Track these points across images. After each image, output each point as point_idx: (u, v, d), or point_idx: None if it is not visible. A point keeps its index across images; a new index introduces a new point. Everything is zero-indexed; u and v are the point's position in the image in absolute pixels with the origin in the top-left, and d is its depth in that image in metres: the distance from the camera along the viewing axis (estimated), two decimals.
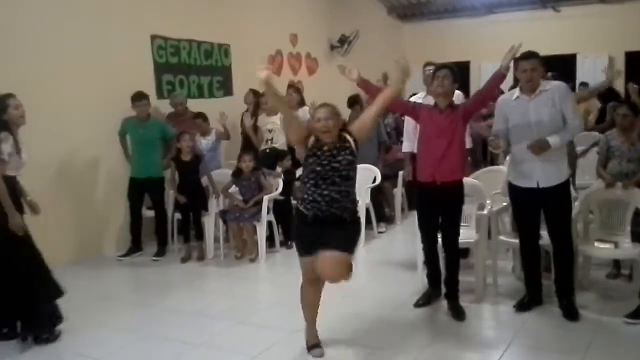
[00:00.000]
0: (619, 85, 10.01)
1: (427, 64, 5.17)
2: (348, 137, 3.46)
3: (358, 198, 6.30)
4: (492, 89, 4.23)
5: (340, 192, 3.39)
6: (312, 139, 3.44)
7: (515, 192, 4.21)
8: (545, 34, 10.28)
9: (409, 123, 4.70)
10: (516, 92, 4.12)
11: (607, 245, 4.47)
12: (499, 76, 4.10)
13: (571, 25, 10.74)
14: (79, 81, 5.99)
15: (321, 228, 3.39)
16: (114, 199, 6.35)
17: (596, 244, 4.52)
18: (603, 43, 10.71)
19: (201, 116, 6.79)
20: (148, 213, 6.29)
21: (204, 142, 6.73)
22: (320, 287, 3.62)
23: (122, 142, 6.23)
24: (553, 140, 3.90)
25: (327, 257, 3.28)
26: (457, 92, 4.80)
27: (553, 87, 4.02)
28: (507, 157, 5.15)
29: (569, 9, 11.03)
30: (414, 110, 4.34)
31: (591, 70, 10.41)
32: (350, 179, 3.45)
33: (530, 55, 4.01)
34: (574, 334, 3.88)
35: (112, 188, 6.34)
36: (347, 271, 3.34)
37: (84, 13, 6.10)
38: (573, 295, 4.21)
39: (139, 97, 6.01)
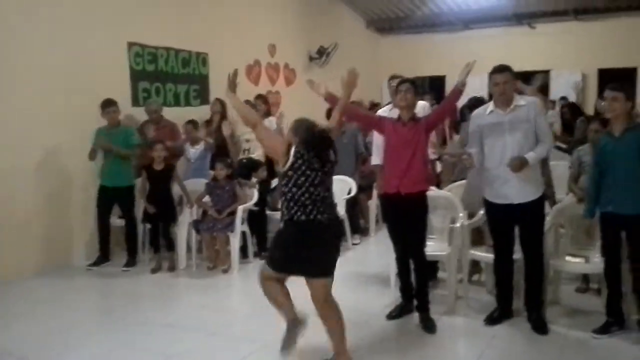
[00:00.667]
0: (592, 100, 10.27)
1: (392, 77, 5.20)
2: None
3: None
4: (451, 104, 4.37)
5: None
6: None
7: (491, 209, 4.24)
8: (521, 50, 10.45)
9: (378, 137, 4.75)
10: (490, 106, 4.16)
11: (577, 260, 4.53)
12: (457, 92, 4.18)
13: (546, 42, 10.94)
14: (52, 87, 5.90)
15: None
16: (84, 207, 6.24)
17: (567, 258, 4.57)
18: (576, 60, 10.92)
19: (192, 123, 6.75)
20: (119, 222, 6.20)
21: (192, 152, 6.67)
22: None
23: (90, 153, 6.01)
24: (530, 157, 3.95)
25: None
26: (422, 102, 4.89)
27: (527, 101, 4.07)
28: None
29: (544, 26, 11.24)
30: (379, 123, 4.42)
31: (564, 86, 10.62)
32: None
33: (503, 68, 4.05)
34: (543, 347, 3.91)
35: (84, 196, 6.25)
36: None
37: (60, 19, 6.02)
38: (543, 309, 4.25)
39: (107, 104, 5.93)
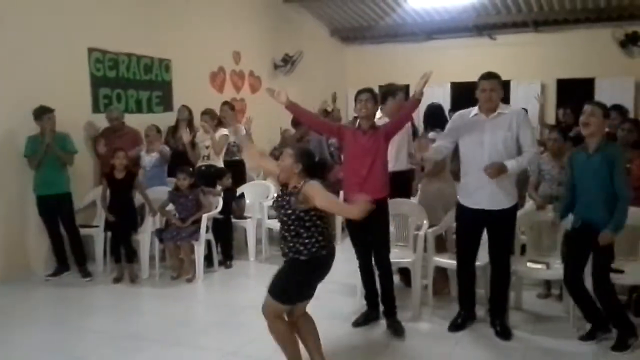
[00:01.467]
0: (550, 110, 10.52)
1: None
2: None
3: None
4: (408, 113, 4.34)
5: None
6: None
7: (463, 211, 4.26)
8: (482, 60, 10.54)
9: None
10: (474, 110, 4.15)
11: (538, 266, 4.60)
12: (414, 102, 4.19)
13: (506, 53, 11.15)
14: (8, 93, 5.73)
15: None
16: (25, 216, 6.03)
17: (528, 264, 4.65)
18: (536, 70, 11.17)
19: (155, 129, 6.63)
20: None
21: (147, 159, 6.54)
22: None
23: (30, 162, 5.80)
24: (510, 164, 3.95)
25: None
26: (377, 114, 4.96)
27: (512, 111, 4.08)
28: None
29: (504, 37, 11.47)
30: (339, 132, 4.44)
31: (524, 97, 10.84)
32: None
33: (490, 75, 4.07)
34: (507, 353, 3.96)
35: (24, 205, 6.03)
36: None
37: (17, 24, 5.86)
38: (506, 315, 4.31)
39: (42, 112, 5.70)
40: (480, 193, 4.07)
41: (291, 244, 3.33)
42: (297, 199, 3.27)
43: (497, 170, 3.93)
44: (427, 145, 4.20)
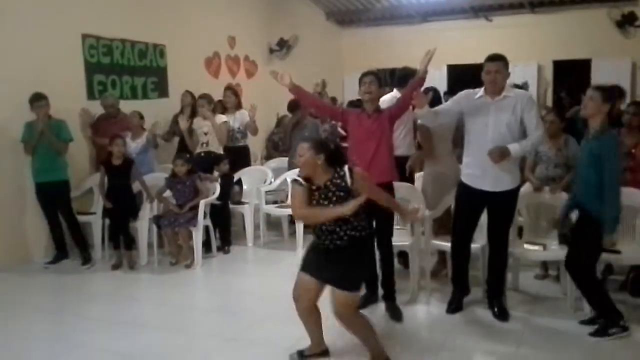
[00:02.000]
0: (548, 91, 10.49)
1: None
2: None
3: None
4: (413, 92, 4.24)
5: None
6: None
7: (464, 191, 4.25)
8: (478, 42, 10.55)
9: None
10: (480, 91, 4.12)
11: (536, 248, 4.62)
12: (418, 80, 4.18)
13: (502, 34, 11.07)
14: (2, 81, 5.69)
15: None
16: (24, 204, 6.02)
17: (525, 246, 4.66)
18: (532, 52, 11.11)
19: (138, 115, 6.59)
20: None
21: (133, 146, 6.49)
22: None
23: (26, 148, 5.81)
24: (514, 148, 3.95)
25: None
26: (394, 93, 4.91)
27: (517, 94, 4.07)
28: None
29: (501, 19, 11.40)
30: (343, 115, 4.44)
31: (521, 78, 10.80)
32: None
33: (496, 57, 4.03)
34: (505, 334, 3.99)
35: (21, 192, 6.02)
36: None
37: (9, 9, 5.80)
38: (503, 296, 4.33)
39: (36, 99, 5.66)
40: (484, 175, 4.07)
41: (346, 228, 3.24)
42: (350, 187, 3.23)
43: (500, 155, 3.93)
44: (424, 100, 4.09)
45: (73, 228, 5.98)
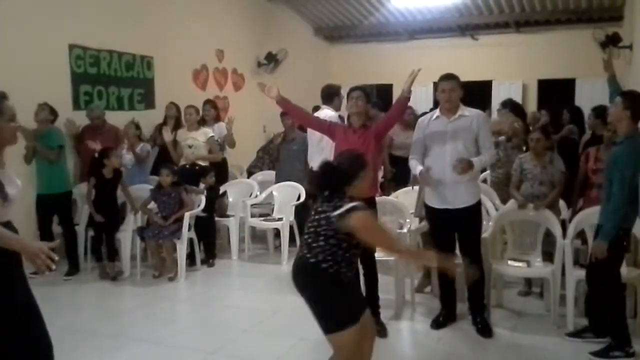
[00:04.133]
0: (532, 109, 10.60)
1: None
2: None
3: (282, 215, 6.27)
4: (398, 112, 4.40)
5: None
6: None
7: (431, 213, 4.33)
8: (464, 60, 10.69)
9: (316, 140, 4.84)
10: (436, 112, 4.25)
11: (519, 264, 4.64)
12: (403, 100, 4.23)
13: (488, 53, 11.24)
14: None
15: None
16: (27, 214, 5.92)
17: (509, 262, 4.68)
18: (517, 70, 11.26)
19: (134, 126, 6.57)
20: (59, 229, 5.95)
21: (128, 157, 6.46)
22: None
23: (25, 157, 5.76)
24: (475, 161, 4.04)
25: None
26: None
27: (473, 114, 4.16)
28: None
29: (486, 37, 11.54)
30: (330, 130, 4.47)
31: (506, 96, 10.90)
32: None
33: (449, 76, 4.15)
34: (488, 350, 3.99)
35: (25, 203, 5.92)
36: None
37: None
38: (487, 312, 4.34)
39: (38, 107, 5.72)
40: (443, 193, 4.14)
41: (315, 248, 2.85)
42: (341, 219, 2.75)
43: (465, 167, 3.99)
44: (429, 181, 4.16)
45: (69, 240, 5.89)
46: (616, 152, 3.75)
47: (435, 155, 4.17)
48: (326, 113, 5.39)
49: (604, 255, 3.65)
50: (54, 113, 5.93)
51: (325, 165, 3.00)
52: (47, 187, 5.77)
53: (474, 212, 4.21)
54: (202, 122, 6.98)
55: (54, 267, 2.57)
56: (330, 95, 5.56)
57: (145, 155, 6.63)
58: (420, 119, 4.44)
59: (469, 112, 4.17)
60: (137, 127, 6.64)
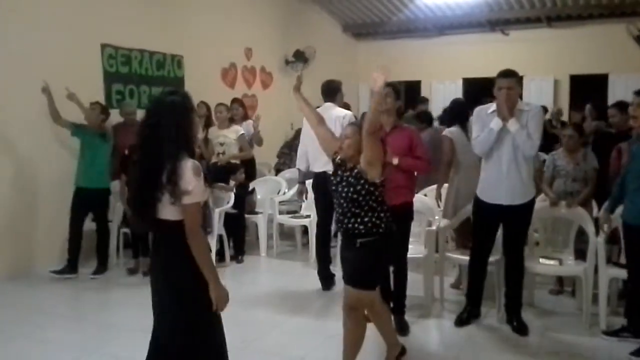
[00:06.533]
0: (564, 106, 10.44)
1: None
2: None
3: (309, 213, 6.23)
4: (416, 169, 4.25)
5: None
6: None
7: (480, 206, 4.25)
8: (494, 56, 10.56)
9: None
10: (492, 106, 4.10)
11: (551, 262, 4.58)
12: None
13: (519, 48, 11.06)
14: (24, 89, 5.77)
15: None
16: (58, 212, 6.03)
17: (541, 260, 4.62)
18: (549, 66, 11.08)
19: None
20: (91, 226, 6.02)
21: None
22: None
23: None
24: (514, 124, 3.91)
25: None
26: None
27: (531, 108, 4.04)
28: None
29: (517, 33, 11.38)
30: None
31: (537, 93, 10.77)
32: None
33: (508, 73, 4.01)
34: (520, 348, 3.94)
35: (57, 198, 6.05)
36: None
37: (31, 20, 5.90)
38: (521, 309, 4.28)
39: (90, 106, 5.87)
40: (499, 188, 4.06)
41: (367, 219, 3.20)
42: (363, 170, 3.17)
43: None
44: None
45: (102, 237, 5.94)
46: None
47: (492, 152, 4.08)
48: (337, 112, 5.15)
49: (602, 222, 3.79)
50: (105, 112, 6.02)
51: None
52: (87, 181, 5.79)
53: (527, 210, 4.14)
54: (231, 121, 7.04)
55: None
56: (334, 90, 5.35)
57: None
58: (477, 110, 4.25)
59: (528, 107, 4.04)
60: None
